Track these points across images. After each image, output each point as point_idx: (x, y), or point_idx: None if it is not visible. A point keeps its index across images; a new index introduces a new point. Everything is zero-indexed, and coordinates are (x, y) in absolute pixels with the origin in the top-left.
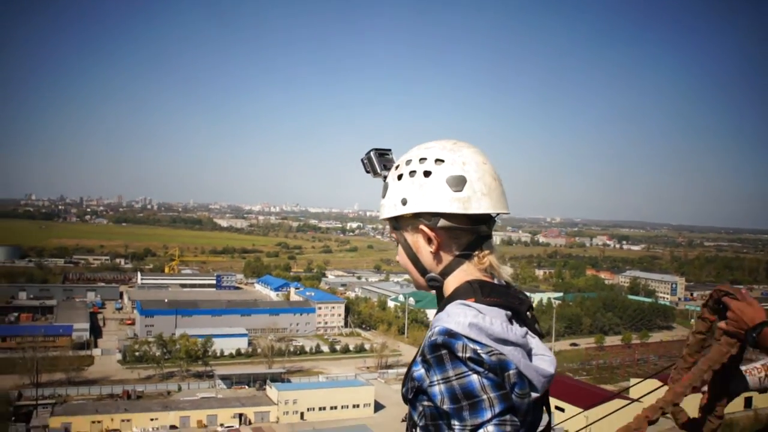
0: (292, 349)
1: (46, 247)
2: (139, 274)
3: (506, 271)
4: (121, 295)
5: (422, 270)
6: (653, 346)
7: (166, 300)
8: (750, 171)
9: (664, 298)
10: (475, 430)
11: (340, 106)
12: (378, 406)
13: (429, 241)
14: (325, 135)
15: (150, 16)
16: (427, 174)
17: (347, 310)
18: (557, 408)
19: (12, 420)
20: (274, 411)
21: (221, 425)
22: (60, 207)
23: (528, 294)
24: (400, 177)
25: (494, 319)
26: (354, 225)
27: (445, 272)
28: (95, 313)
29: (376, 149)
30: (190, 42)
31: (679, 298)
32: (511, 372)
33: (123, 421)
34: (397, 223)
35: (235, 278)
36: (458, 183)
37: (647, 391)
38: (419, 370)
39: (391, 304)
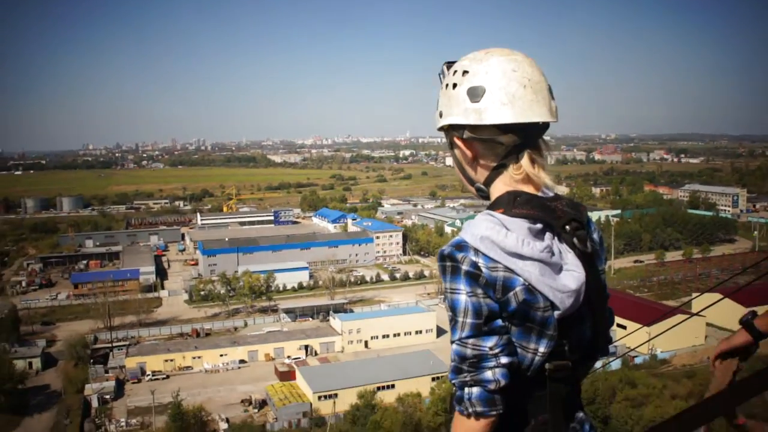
0: (352, 280)
1: (107, 194)
2: (198, 215)
3: (549, 181)
4: (182, 236)
5: (470, 181)
6: (715, 260)
7: (226, 239)
8: None
9: (725, 210)
10: (452, 344)
11: (386, 31)
12: (440, 332)
13: (466, 153)
14: (373, 63)
15: None
16: (453, 86)
17: (405, 238)
18: (619, 325)
19: (90, 362)
20: (339, 341)
21: (288, 357)
22: (117, 155)
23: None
24: (439, 90)
25: (512, 233)
26: (407, 153)
27: (487, 182)
28: (159, 256)
29: (449, 62)
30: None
31: (741, 210)
32: (517, 289)
33: (194, 358)
34: (446, 135)
35: (292, 213)
36: (476, 94)
37: (708, 304)
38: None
39: (448, 229)
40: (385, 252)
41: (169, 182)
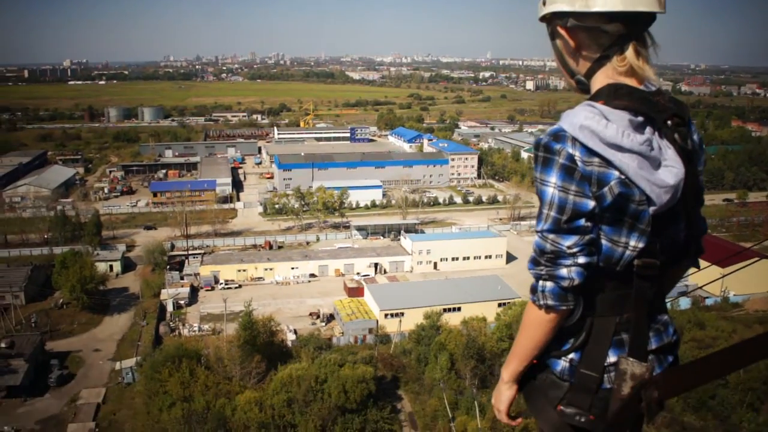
0: (425, 201)
1: (186, 106)
2: (275, 129)
3: (653, 75)
4: (259, 150)
5: (570, 72)
6: None
7: (302, 154)
8: None
9: None
10: (536, 233)
11: None
12: (510, 258)
13: (569, 43)
14: None
15: None
16: None
17: (480, 161)
18: None
19: (167, 269)
20: (408, 261)
21: (357, 273)
22: (197, 67)
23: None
24: None
25: (612, 124)
26: (487, 74)
27: (588, 74)
28: (236, 168)
29: None
30: None
31: None
32: (612, 183)
33: (266, 269)
34: (548, 26)
35: (368, 131)
36: None
37: None
38: None
39: (524, 155)
40: (459, 174)
41: (248, 95)
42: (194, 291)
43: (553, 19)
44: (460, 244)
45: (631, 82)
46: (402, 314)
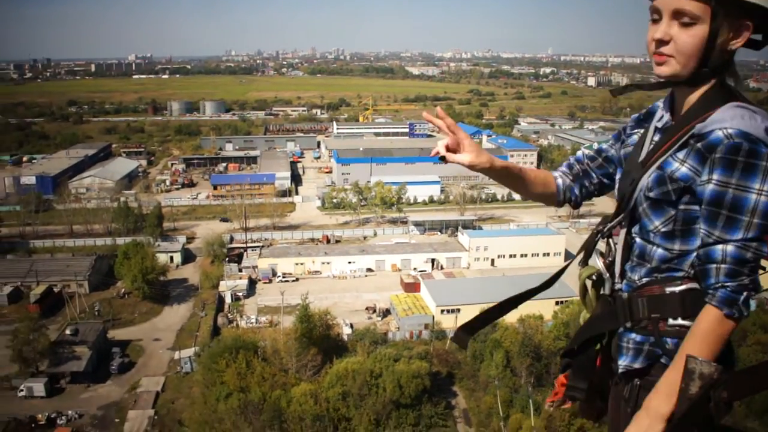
0: (483, 197)
1: (247, 100)
2: (334, 123)
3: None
4: (318, 144)
5: (703, 62)
6: None
7: (361, 148)
8: None
9: None
10: (718, 243)
11: None
12: (569, 255)
13: (734, 38)
14: None
15: None
16: None
17: (540, 157)
18: None
19: (226, 261)
20: (465, 257)
21: (414, 269)
22: (258, 61)
23: None
24: None
25: None
26: (547, 70)
27: (718, 71)
28: (295, 162)
29: None
30: None
31: None
32: None
33: (323, 263)
34: (720, 6)
35: (427, 126)
36: None
37: None
38: (682, 170)
39: (585, 151)
40: None
41: (308, 90)
42: (252, 283)
43: (744, 14)
44: (518, 241)
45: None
46: (458, 310)
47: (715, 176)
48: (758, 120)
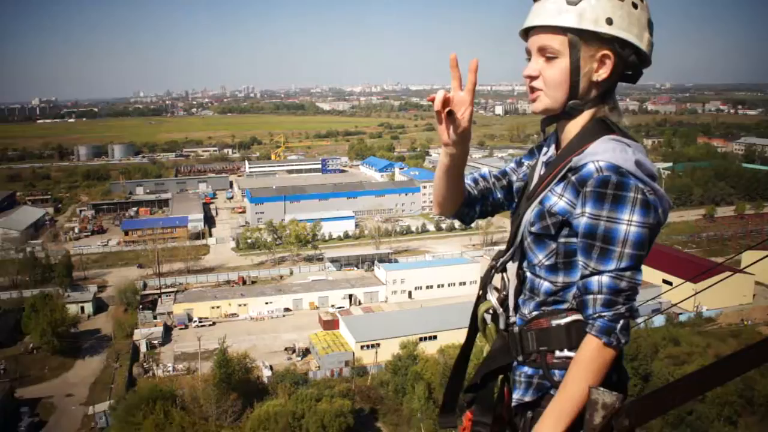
0: (398, 229)
1: (157, 142)
2: (246, 162)
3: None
4: (230, 184)
5: (573, 94)
6: None
7: (274, 187)
8: None
9: None
10: (594, 275)
11: None
12: None
13: (599, 68)
14: (424, 9)
15: None
16: (635, 6)
17: None
18: (664, 281)
19: (139, 308)
20: (383, 291)
21: (332, 306)
22: (167, 102)
23: None
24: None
25: (644, 156)
26: None
27: (588, 105)
28: (208, 203)
29: None
30: None
31: None
32: (660, 211)
33: (240, 305)
34: (578, 38)
35: (339, 161)
36: (650, 27)
37: (755, 260)
38: (560, 204)
39: None
40: (431, 202)
41: (218, 130)
42: (168, 330)
43: (600, 42)
44: (434, 272)
45: (610, 116)
46: (378, 345)
47: (587, 209)
48: (629, 152)
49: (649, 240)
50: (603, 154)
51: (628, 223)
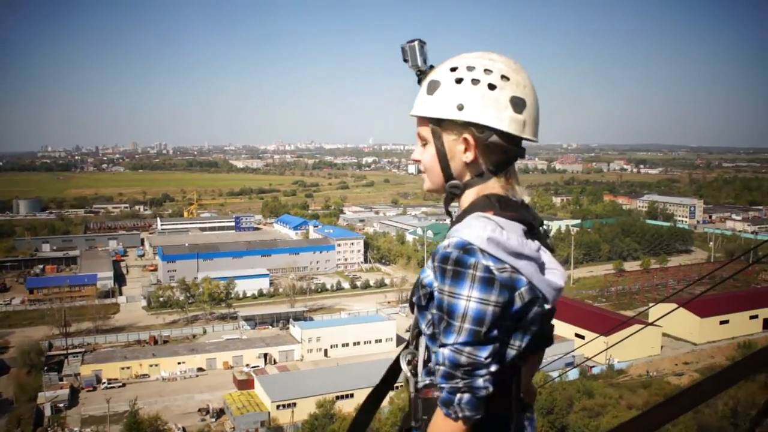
0: (313, 287)
1: (65, 198)
2: (158, 219)
3: (521, 190)
4: (142, 241)
5: (448, 176)
6: (672, 270)
7: (186, 244)
8: None
9: (682, 221)
10: (441, 347)
11: (349, 39)
12: (400, 340)
13: (466, 150)
14: (338, 69)
15: None
16: (492, 87)
17: (366, 245)
18: (577, 335)
19: (44, 370)
20: (298, 349)
21: (247, 365)
22: (76, 157)
23: (546, 222)
24: (459, 81)
25: (511, 234)
26: (369, 159)
27: (469, 184)
28: (118, 261)
29: (421, 40)
30: None
31: (698, 221)
32: (522, 289)
33: (151, 366)
34: (439, 124)
35: (253, 219)
36: (520, 105)
37: (663, 313)
38: (429, 276)
39: (409, 237)
40: (346, 259)
41: (130, 186)
42: (74, 392)
43: (460, 126)
44: (350, 330)
45: (502, 193)
46: (294, 404)
47: (437, 283)
48: (487, 229)
49: (499, 317)
50: (461, 231)
51: (467, 298)
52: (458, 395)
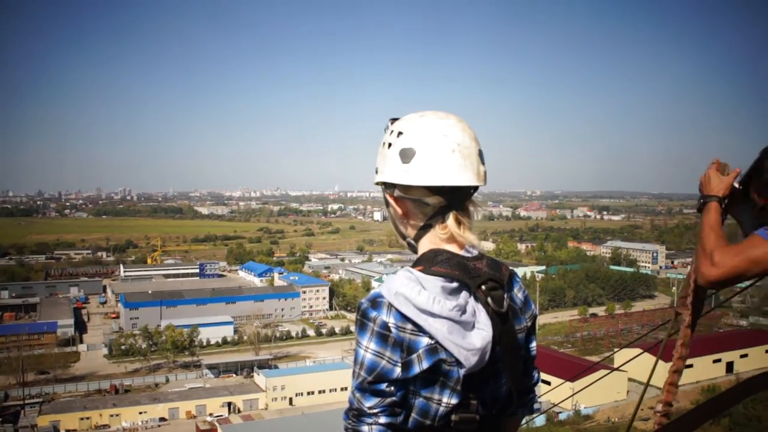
0: (278, 335)
1: (26, 243)
2: (121, 266)
3: (474, 241)
4: (104, 288)
5: (401, 234)
6: (636, 315)
7: (149, 291)
8: (726, 137)
9: (645, 267)
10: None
11: (318, 87)
12: None
13: (396, 209)
14: (304, 117)
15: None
16: (389, 146)
17: (332, 292)
18: (543, 381)
19: None
20: (263, 398)
21: (210, 415)
22: (38, 202)
23: (511, 268)
24: (381, 147)
25: (425, 291)
26: (335, 207)
27: (416, 239)
28: (79, 308)
29: (393, 119)
30: (161, 27)
31: (660, 267)
32: (420, 351)
33: (112, 416)
34: (383, 191)
35: (218, 266)
36: (407, 155)
37: (629, 359)
38: None
39: (375, 284)
40: (311, 306)
41: (92, 232)
42: None
43: (384, 187)
44: (315, 378)
45: (453, 247)
46: None
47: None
48: (400, 284)
49: (391, 373)
50: (384, 283)
51: (365, 348)
52: None
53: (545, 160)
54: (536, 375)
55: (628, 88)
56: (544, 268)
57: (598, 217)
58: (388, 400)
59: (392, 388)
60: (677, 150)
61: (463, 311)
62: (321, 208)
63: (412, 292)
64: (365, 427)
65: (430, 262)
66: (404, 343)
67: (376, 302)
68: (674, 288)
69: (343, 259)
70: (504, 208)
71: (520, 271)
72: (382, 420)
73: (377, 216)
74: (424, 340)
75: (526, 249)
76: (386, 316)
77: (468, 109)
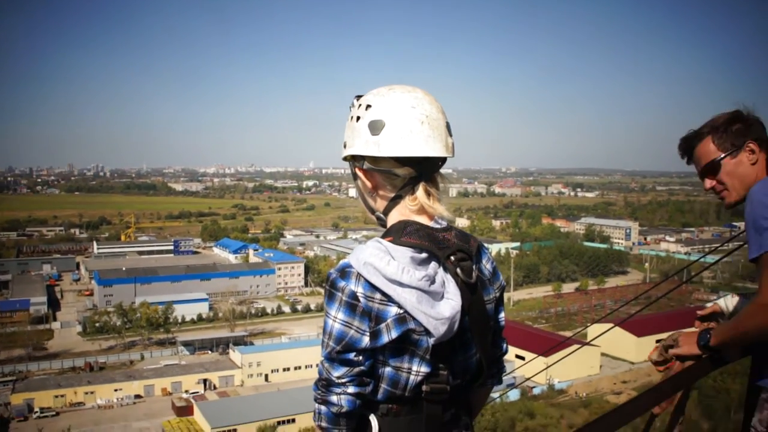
0: (253, 312)
1: None
2: (94, 243)
3: (443, 212)
4: (77, 265)
5: (370, 209)
6: (609, 291)
7: (123, 268)
8: (698, 114)
9: (618, 243)
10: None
11: (290, 61)
12: None
13: (365, 182)
14: (278, 93)
15: None
16: (357, 119)
17: (307, 269)
18: (517, 356)
19: None
20: (239, 374)
21: (186, 392)
22: (9, 179)
23: (486, 245)
24: (349, 121)
25: (394, 261)
26: (310, 183)
27: (385, 212)
28: (52, 285)
29: (358, 96)
30: (129, 2)
31: (633, 243)
32: (389, 320)
33: (86, 393)
34: (350, 165)
35: (192, 243)
36: (376, 127)
37: (600, 333)
38: None
39: None
40: (286, 283)
41: (65, 209)
42: (4, 423)
43: (353, 161)
44: (291, 354)
45: (423, 219)
46: (235, 430)
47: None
48: (370, 254)
49: (359, 342)
50: (353, 253)
51: (334, 318)
52: (317, 405)
53: (520, 137)
54: (504, 346)
55: (602, 67)
56: (518, 244)
57: (573, 194)
58: (357, 369)
59: (360, 357)
60: (651, 128)
61: (432, 281)
62: (296, 184)
63: (381, 263)
64: (334, 397)
65: (399, 233)
66: (372, 312)
67: (344, 272)
68: (646, 264)
69: (318, 236)
70: (479, 185)
71: (494, 248)
72: (351, 390)
73: (352, 193)
74: (393, 310)
75: (500, 225)
76: (354, 286)
77: (441, 86)
